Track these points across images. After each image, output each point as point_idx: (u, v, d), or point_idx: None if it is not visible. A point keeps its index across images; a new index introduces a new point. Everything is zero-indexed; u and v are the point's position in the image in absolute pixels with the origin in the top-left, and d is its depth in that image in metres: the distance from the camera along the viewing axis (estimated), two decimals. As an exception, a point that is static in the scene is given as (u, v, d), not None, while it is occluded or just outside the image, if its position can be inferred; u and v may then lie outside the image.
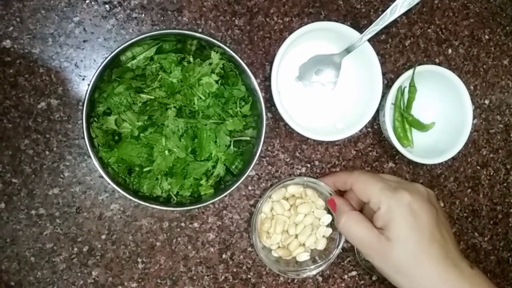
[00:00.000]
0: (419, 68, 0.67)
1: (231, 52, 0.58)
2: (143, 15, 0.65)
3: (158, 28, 0.66)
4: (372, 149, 0.72)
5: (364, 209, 0.61)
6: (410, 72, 0.67)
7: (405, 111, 0.70)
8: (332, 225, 0.66)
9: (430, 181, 0.74)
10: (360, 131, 0.71)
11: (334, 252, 0.65)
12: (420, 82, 0.69)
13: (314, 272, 0.65)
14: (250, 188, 0.69)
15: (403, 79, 0.67)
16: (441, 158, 0.68)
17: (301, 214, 0.65)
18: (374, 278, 0.73)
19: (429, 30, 0.74)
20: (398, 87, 0.67)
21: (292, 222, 0.65)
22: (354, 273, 0.72)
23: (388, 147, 0.72)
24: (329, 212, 0.66)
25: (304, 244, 0.66)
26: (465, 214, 0.76)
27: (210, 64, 0.61)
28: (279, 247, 0.65)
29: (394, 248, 0.53)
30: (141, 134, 0.60)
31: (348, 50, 0.65)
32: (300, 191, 0.66)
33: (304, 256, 0.65)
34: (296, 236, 0.65)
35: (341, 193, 0.64)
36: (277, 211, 0.65)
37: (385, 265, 0.54)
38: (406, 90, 0.70)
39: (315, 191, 0.66)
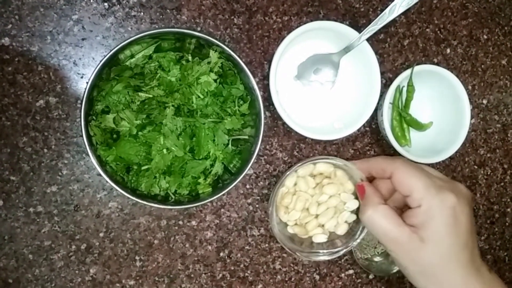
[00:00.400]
0: (417, 68, 0.67)
1: (230, 51, 0.59)
2: (142, 13, 0.65)
3: (156, 26, 0.66)
4: (370, 148, 0.73)
5: (393, 199, 0.58)
6: (408, 71, 0.67)
7: (403, 110, 0.70)
8: (357, 212, 0.62)
9: None
10: (358, 130, 0.71)
11: (351, 243, 0.61)
12: (418, 81, 0.69)
13: (326, 258, 0.62)
14: (248, 186, 0.69)
15: (401, 79, 0.67)
16: (438, 157, 0.68)
17: (326, 195, 0.61)
18: (371, 276, 0.73)
19: (427, 30, 0.74)
20: (396, 86, 0.67)
21: (315, 201, 0.62)
22: (351, 271, 0.72)
23: (386, 146, 0.73)
24: (356, 198, 0.61)
25: (323, 226, 0.62)
26: (465, 213, 0.76)
27: (209, 63, 0.61)
28: (296, 224, 0.63)
29: (426, 248, 0.51)
30: (139, 133, 0.60)
31: (346, 50, 0.65)
32: (330, 170, 0.62)
33: (321, 238, 0.62)
34: (317, 216, 0.62)
35: (371, 179, 0.61)
36: (300, 187, 0.62)
37: (410, 264, 0.53)
38: (404, 89, 0.70)
39: (345, 174, 0.62)
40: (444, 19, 0.75)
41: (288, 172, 0.61)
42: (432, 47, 0.75)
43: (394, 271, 0.69)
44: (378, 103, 0.66)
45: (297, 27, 0.64)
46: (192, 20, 0.67)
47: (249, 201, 0.69)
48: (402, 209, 0.56)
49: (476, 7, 0.76)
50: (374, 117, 0.71)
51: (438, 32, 0.75)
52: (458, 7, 0.76)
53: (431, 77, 0.69)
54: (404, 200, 0.55)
